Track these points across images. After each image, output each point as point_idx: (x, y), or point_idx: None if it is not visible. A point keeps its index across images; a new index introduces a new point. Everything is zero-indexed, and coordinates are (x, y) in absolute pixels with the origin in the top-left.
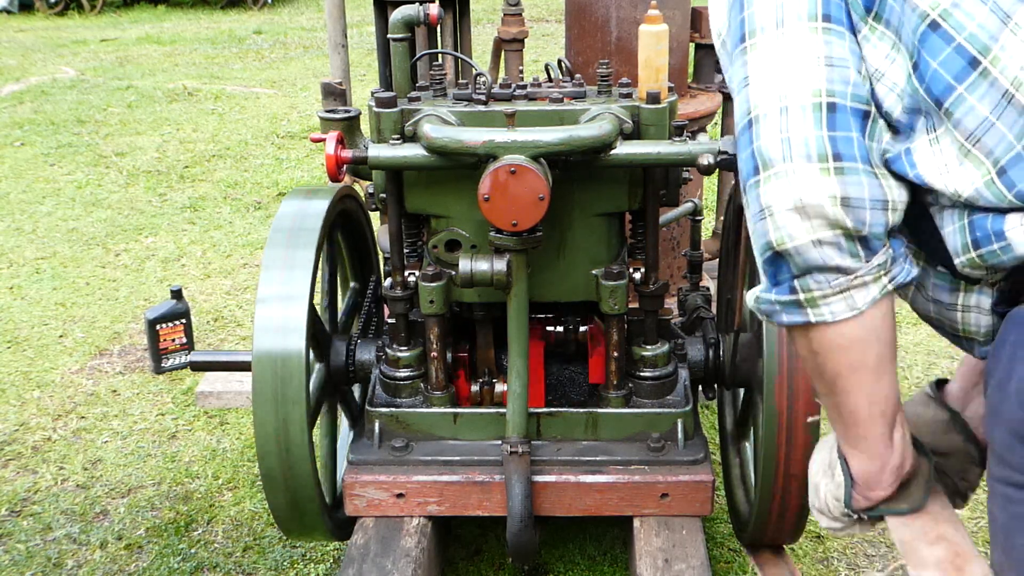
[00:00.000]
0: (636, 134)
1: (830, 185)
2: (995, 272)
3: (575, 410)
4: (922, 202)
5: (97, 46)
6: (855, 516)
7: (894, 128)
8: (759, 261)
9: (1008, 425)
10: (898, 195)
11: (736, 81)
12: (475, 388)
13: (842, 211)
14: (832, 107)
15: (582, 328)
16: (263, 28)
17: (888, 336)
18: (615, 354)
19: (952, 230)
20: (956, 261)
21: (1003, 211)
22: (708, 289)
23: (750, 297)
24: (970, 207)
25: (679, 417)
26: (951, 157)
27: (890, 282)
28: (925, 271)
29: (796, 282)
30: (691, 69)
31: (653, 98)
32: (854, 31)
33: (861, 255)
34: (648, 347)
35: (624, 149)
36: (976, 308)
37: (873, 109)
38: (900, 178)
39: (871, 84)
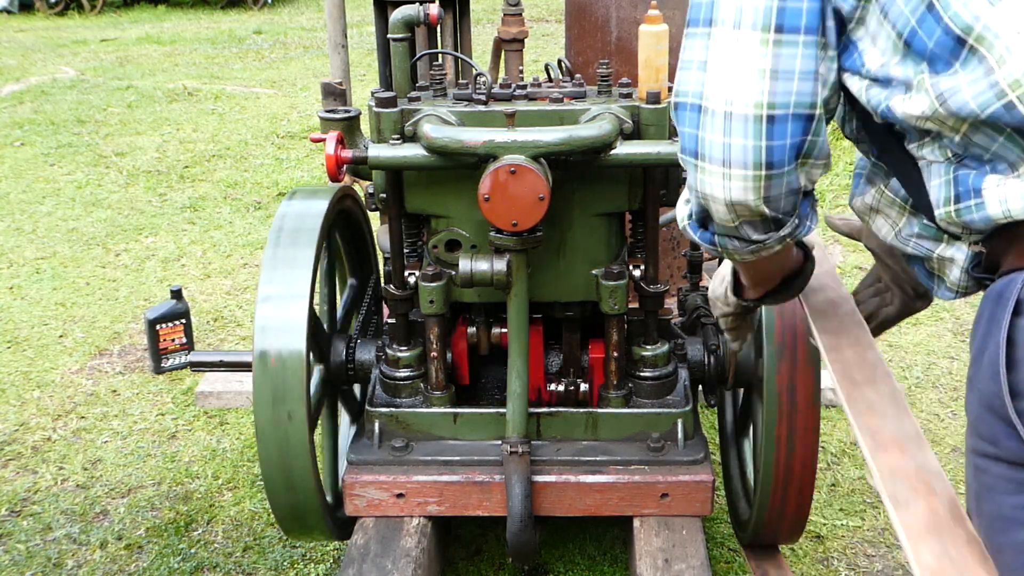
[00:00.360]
0: (636, 134)
1: (758, 190)
2: (970, 232)
3: (575, 410)
4: (913, 155)
5: (97, 46)
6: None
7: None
8: (693, 200)
9: (979, 396)
10: (813, 175)
11: (694, 52)
12: (472, 330)
13: (764, 207)
14: (772, 119)
15: (583, 387)
16: (263, 28)
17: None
18: (615, 354)
19: (938, 183)
20: (936, 213)
21: (986, 165)
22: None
23: (680, 213)
24: (959, 159)
25: (679, 417)
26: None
27: (791, 239)
28: (909, 219)
29: (716, 238)
30: None
31: (653, 98)
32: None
33: (772, 230)
34: (648, 347)
35: (624, 149)
36: (951, 261)
37: (819, 110)
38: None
39: None
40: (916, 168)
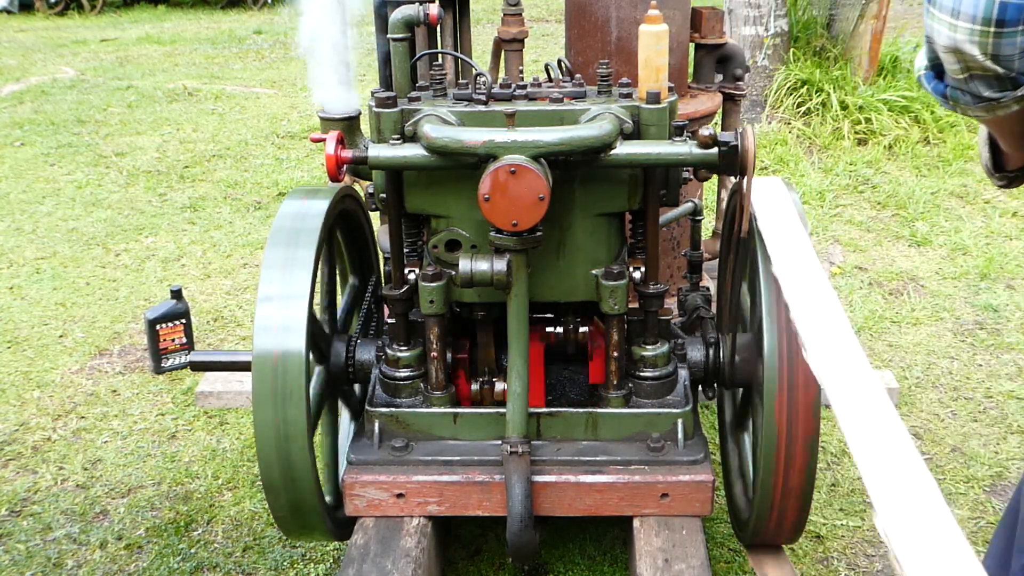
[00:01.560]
0: (636, 134)
1: (984, 45)
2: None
3: (575, 410)
4: None
5: (97, 46)
6: None
7: None
8: (927, 47)
9: None
10: None
11: None
12: (475, 387)
13: (991, 63)
14: None
15: (582, 328)
16: (263, 28)
17: None
18: (615, 354)
19: None
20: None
21: None
22: (708, 289)
23: (917, 63)
24: None
25: (679, 417)
26: None
27: None
28: None
29: (948, 90)
30: (691, 69)
31: (653, 98)
32: None
33: (1008, 87)
34: (648, 347)
35: (624, 149)
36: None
37: None
38: None
39: None
40: None
